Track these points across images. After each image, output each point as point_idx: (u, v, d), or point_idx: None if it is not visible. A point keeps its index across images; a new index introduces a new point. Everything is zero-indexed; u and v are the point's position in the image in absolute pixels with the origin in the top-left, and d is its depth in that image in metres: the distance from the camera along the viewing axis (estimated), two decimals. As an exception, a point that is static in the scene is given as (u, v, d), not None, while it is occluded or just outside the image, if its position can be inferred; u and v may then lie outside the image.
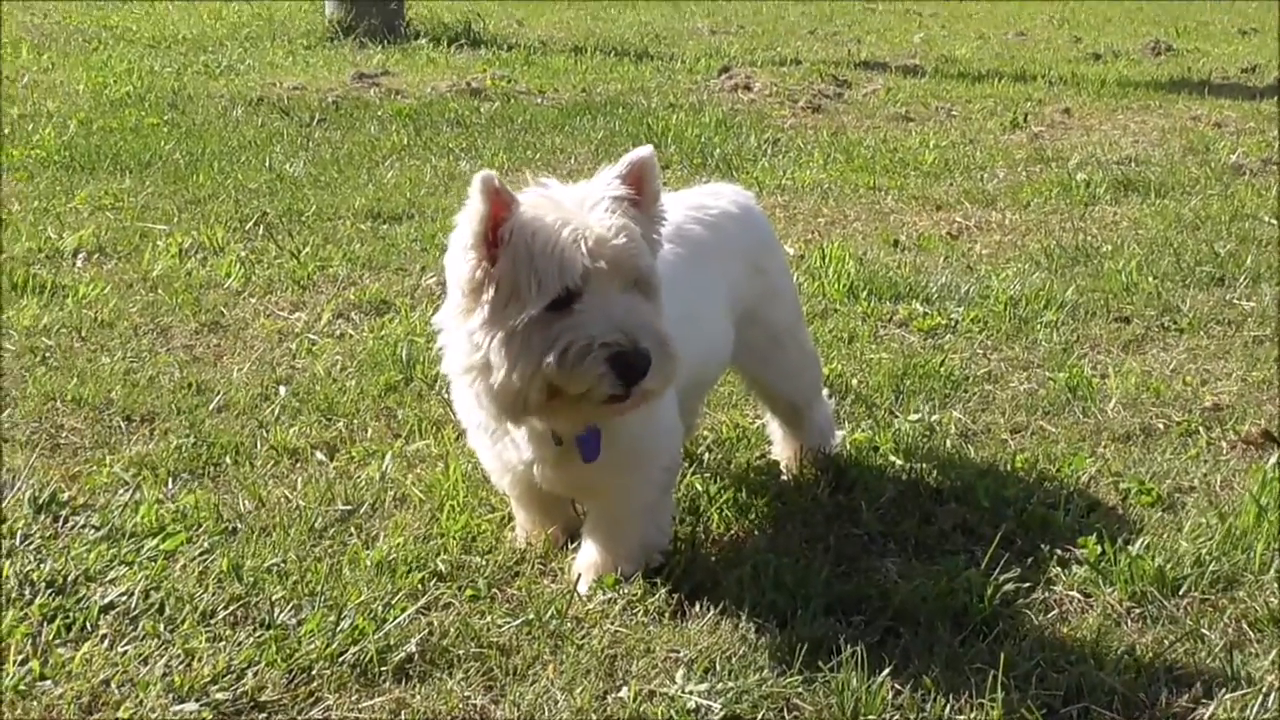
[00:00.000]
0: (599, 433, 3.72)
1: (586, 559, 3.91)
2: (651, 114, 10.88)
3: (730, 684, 3.37)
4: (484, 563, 3.98)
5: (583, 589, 3.84)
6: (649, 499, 3.91)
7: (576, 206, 3.49)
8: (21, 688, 3.32)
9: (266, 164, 8.90)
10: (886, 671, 3.40)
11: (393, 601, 3.71)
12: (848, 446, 4.76)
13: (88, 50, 14.21)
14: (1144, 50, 15.47)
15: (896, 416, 5.02)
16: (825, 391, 4.82)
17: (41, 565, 3.85)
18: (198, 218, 7.58)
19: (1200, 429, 4.97)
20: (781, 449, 4.69)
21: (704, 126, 10.37)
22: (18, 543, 4.01)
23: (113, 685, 3.34)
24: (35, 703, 3.27)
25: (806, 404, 4.62)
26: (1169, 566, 3.89)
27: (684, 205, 4.29)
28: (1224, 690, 3.39)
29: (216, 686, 3.34)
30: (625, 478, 3.85)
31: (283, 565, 3.89)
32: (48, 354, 5.50)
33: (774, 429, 4.72)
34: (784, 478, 4.59)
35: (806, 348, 4.69)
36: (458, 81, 12.26)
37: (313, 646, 3.49)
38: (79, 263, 6.76)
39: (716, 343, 4.25)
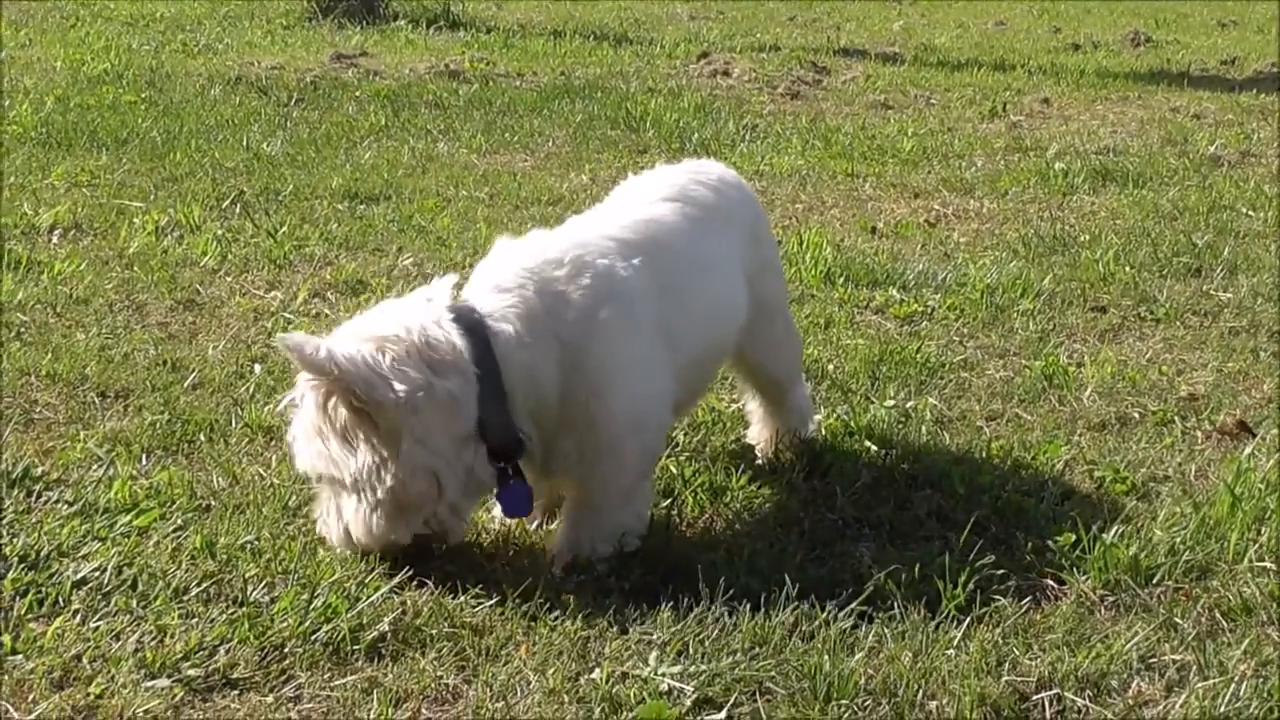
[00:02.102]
0: (526, 490, 3.80)
1: (562, 540, 3.91)
2: (630, 98, 10.86)
3: (703, 667, 3.36)
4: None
5: (557, 570, 3.83)
6: (626, 484, 3.90)
7: None
8: (-8, 662, 3.31)
9: (244, 143, 8.87)
10: (860, 656, 3.40)
11: (366, 580, 3.70)
12: (823, 432, 4.76)
13: (65, 27, 14.17)
14: (1123, 41, 15.49)
15: (872, 402, 5.02)
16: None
17: (14, 540, 3.83)
18: (174, 195, 7.56)
19: (1175, 418, 4.98)
20: (759, 431, 4.68)
21: (683, 111, 10.36)
22: (-10, 517, 4.00)
23: (84, 660, 3.32)
24: (6, 677, 3.26)
25: (789, 383, 4.63)
26: (1143, 555, 3.89)
27: (683, 171, 4.37)
28: (1197, 679, 3.39)
29: (188, 663, 3.33)
30: (599, 465, 3.85)
31: (256, 543, 3.88)
32: (23, 329, 5.48)
33: (753, 410, 4.71)
34: (759, 461, 4.59)
35: (792, 326, 4.74)
36: (436, 63, 12.24)
37: (285, 624, 3.48)
38: (55, 239, 6.73)
39: (736, 300, 4.28)
